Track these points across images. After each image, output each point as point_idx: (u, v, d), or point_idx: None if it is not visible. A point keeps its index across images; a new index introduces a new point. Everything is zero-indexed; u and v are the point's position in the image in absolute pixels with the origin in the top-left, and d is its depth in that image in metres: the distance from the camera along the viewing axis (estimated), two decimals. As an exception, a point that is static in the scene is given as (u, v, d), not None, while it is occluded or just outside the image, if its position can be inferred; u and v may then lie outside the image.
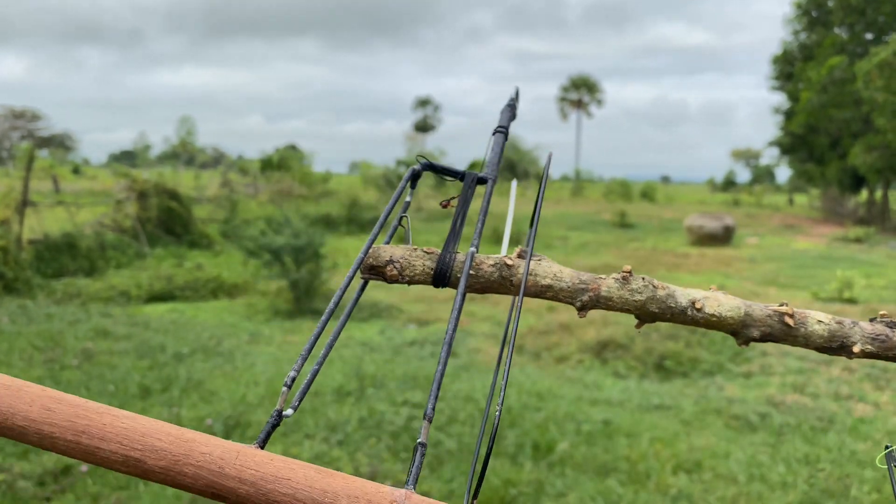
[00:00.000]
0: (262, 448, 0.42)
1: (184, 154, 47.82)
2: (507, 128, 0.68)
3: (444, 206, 0.63)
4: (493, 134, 0.67)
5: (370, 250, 0.57)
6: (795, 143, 29.71)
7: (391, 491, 0.39)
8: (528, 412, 4.45)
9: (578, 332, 6.80)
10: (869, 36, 26.59)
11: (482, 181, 0.63)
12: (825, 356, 6.19)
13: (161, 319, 7.23)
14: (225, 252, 12.34)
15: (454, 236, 0.57)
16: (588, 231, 20.21)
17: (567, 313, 7.72)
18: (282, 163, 27.70)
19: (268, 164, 27.93)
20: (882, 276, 11.75)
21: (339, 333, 0.53)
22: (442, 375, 0.48)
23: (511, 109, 0.70)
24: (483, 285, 0.56)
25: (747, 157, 75.65)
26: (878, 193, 27.36)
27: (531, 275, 0.56)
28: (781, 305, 0.56)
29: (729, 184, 65.78)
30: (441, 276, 0.55)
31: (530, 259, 0.56)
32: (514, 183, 0.69)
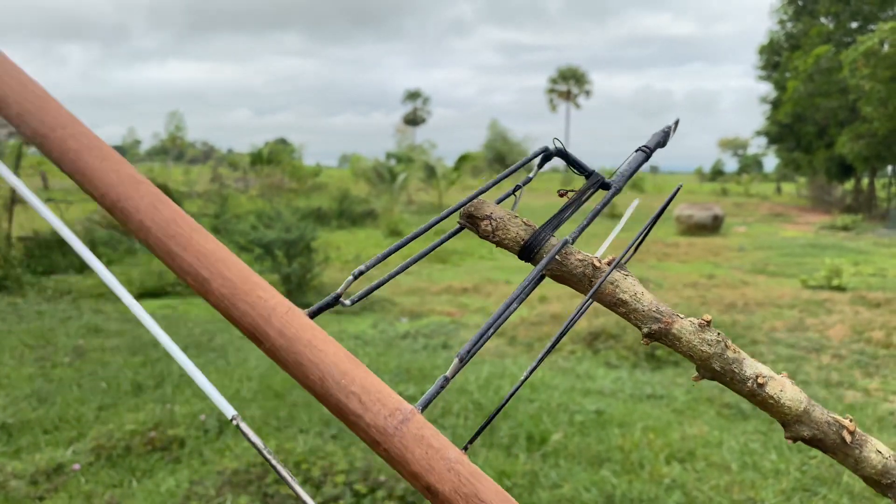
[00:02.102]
0: (311, 318, 0.44)
1: (173, 149, 47.59)
2: (651, 150, 0.68)
3: (561, 196, 0.63)
4: (636, 150, 0.67)
5: (475, 200, 0.57)
6: (783, 132, 29.84)
7: (400, 401, 0.41)
8: (522, 403, 4.47)
9: (570, 323, 6.82)
10: (854, 25, 26.70)
11: (606, 186, 0.63)
12: (815, 344, 6.22)
13: (153, 315, 7.16)
14: (215, 247, 12.30)
15: (556, 221, 0.58)
16: (578, 222, 20.23)
17: (559, 304, 7.75)
18: (272, 157, 27.59)
19: (258, 159, 27.80)
20: (869, 263, 11.83)
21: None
22: (488, 329, 0.50)
23: (664, 136, 0.71)
24: (563, 275, 0.56)
25: (735, 146, 75.94)
26: (865, 181, 27.52)
27: (612, 284, 0.56)
28: (846, 417, 0.52)
29: (717, 173, 66.05)
30: (528, 249, 0.56)
31: (615, 266, 0.57)
32: (636, 202, 0.69)
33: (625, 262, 0.59)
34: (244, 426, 0.43)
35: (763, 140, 34.00)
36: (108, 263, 10.15)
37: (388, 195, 22.50)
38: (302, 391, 4.64)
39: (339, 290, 0.48)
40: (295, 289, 7.89)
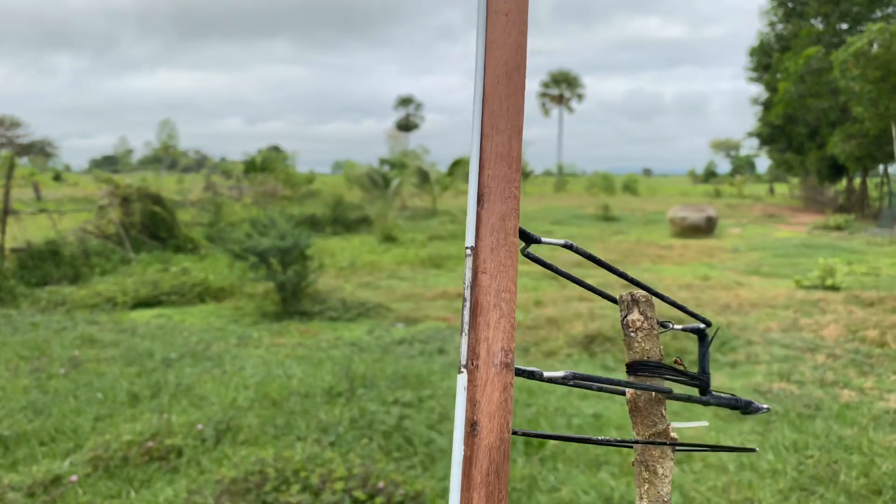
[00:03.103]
0: None
1: (166, 158, 47.49)
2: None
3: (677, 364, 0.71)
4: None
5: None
6: (774, 133, 29.95)
7: None
8: (519, 408, 4.48)
9: (566, 326, 6.83)
10: (844, 26, 26.85)
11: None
12: (810, 344, 6.25)
13: (148, 325, 7.19)
14: (210, 255, 12.27)
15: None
16: (572, 225, 20.29)
17: (554, 308, 7.76)
18: (265, 164, 27.58)
19: (251, 166, 27.78)
20: (863, 262, 11.88)
21: None
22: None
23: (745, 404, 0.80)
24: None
25: (727, 147, 76.18)
26: (857, 181, 27.64)
27: None
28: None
29: (710, 175, 66.24)
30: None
31: None
32: (705, 423, 0.76)
33: None
34: None
35: (755, 141, 34.12)
36: (102, 274, 10.13)
37: (381, 201, 22.51)
38: (299, 398, 4.64)
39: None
40: (290, 296, 7.89)
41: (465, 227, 0.55)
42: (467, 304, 0.52)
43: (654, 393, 0.64)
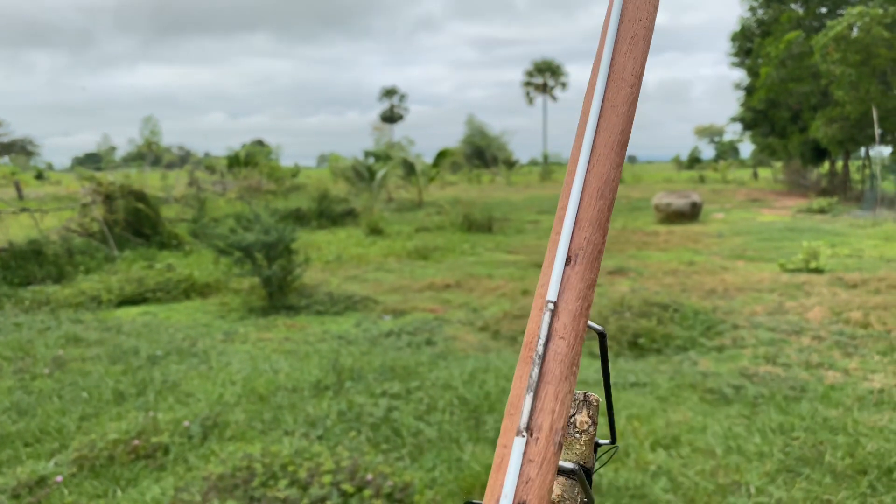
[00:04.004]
0: None
1: (149, 154, 47.13)
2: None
3: None
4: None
5: None
6: (757, 118, 30.07)
7: None
8: (506, 396, 4.47)
9: (553, 314, 6.84)
10: (824, 10, 26.96)
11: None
12: (795, 327, 6.30)
13: (133, 323, 7.14)
14: (195, 251, 12.20)
15: None
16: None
17: (541, 297, 7.76)
18: (249, 159, 27.44)
19: (235, 161, 27.63)
20: (846, 244, 11.98)
21: None
22: None
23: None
24: None
25: (711, 133, 76.50)
26: (840, 164, 27.83)
27: None
28: None
29: (694, 161, 66.47)
30: None
31: None
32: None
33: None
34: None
35: (738, 126, 34.25)
36: (87, 272, 10.04)
37: (367, 193, 22.45)
38: (286, 393, 4.62)
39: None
40: (276, 291, 7.85)
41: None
42: (538, 363, 0.48)
43: (580, 499, 0.61)
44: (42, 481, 3.46)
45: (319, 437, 3.91)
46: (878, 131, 20.32)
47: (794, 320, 6.52)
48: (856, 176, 27.71)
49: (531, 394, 0.47)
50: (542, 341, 0.49)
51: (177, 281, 8.99)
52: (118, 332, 6.64)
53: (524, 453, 0.46)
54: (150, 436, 3.92)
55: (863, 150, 25.52)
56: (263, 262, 7.81)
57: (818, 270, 9.17)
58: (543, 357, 0.48)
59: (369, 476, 3.29)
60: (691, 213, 17.33)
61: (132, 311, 7.86)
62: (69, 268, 10.12)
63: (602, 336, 0.62)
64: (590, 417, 0.63)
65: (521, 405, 0.47)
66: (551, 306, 0.49)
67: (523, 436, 0.46)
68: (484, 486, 3.29)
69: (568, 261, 0.51)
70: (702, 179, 42.11)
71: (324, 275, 9.94)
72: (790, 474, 3.43)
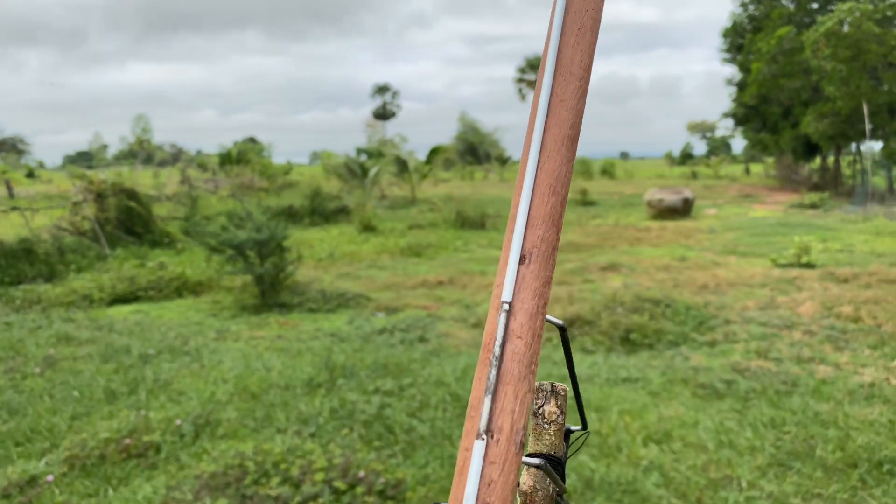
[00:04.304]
0: None
1: (141, 152, 46.92)
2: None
3: None
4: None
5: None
6: (749, 114, 30.16)
7: None
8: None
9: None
10: (815, 6, 27.02)
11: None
12: (787, 322, 6.32)
13: (125, 321, 7.12)
14: (187, 250, 12.16)
15: None
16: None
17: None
18: (241, 156, 27.36)
19: (227, 159, 27.54)
20: (837, 239, 12.03)
21: None
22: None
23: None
24: None
25: (703, 129, 76.64)
26: (831, 159, 27.93)
27: None
28: None
29: (686, 157, 66.59)
30: None
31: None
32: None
33: None
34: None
35: (730, 122, 34.37)
36: (78, 271, 10.00)
37: (360, 191, 22.42)
38: (278, 391, 4.62)
39: None
40: (268, 289, 7.84)
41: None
42: (495, 364, 0.48)
43: (552, 489, 0.62)
44: (33, 481, 3.45)
45: (312, 435, 3.90)
46: (868, 126, 20.40)
47: (786, 315, 6.54)
48: (847, 171, 27.83)
49: (489, 396, 0.47)
50: (498, 342, 0.48)
51: (169, 279, 8.96)
52: (110, 331, 6.61)
53: (485, 455, 0.46)
54: (142, 434, 3.90)
55: (854, 145, 25.62)
56: (256, 259, 7.79)
57: (809, 265, 9.20)
58: (501, 358, 0.48)
59: (361, 473, 3.29)
60: (683, 209, 17.37)
61: (124, 310, 7.83)
62: (60, 266, 10.07)
63: (563, 330, 0.62)
64: (558, 407, 0.64)
65: (480, 407, 0.47)
66: (506, 307, 0.49)
67: (483, 438, 0.46)
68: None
69: (522, 259, 0.50)
70: (694, 175, 42.20)
71: (316, 272, 9.92)
72: (781, 468, 3.44)
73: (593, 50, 0.55)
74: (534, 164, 0.52)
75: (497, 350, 0.48)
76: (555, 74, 0.53)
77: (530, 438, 0.65)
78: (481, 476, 0.46)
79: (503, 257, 0.51)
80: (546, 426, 0.63)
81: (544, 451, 0.63)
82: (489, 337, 0.49)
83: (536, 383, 0.64)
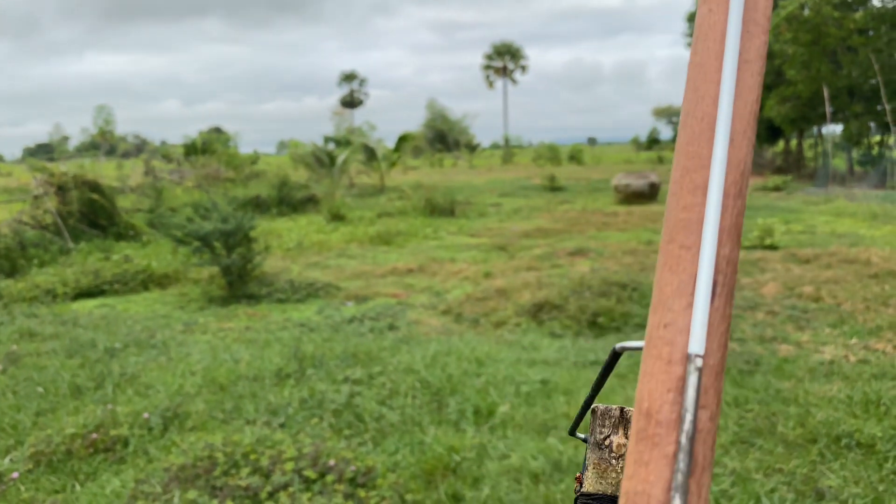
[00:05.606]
0: None
1: (104, 144, 46.06)
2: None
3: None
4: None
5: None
6: (714, 98, 30.46)
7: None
8: (469, 378, 4.52)
9: (514, 295, 6.90)
10: (777, -10, 27.37)
11: None
12: (750, 302, 6.43)
13: (90, 315, 7.02)
14: (153, 242, 12.00)
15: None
16: (520, 196, 20.40)
17: (503, 279, 7.82)
18: (206, 147, 26.99)
19: (192, 149, 27.15)
20: (799, 221, 12.27)
21: None
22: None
23: None
24: None
25: (669, 114, 77.26)
26: (794, 143, 28.40)
27: None
28: None
29: (653, 142, 67.12)
30: None
31: None
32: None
33: None
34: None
35: (695, 107, 34.64)
36: (41, 265, 9.82)
37: (328, 179, 22.28)
38: (247, 382, 4.60)
39: None
40: (236, 280, 7.78)
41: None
42: (687, 448, 0.31)
43: None
44: (-3, 478, 3.40)
45: (281, 425, 3.90)
46: (829, 110, 20.76)
47: (749, 296, 6.67)
48: (809, 154, 28.32)
49: (680, 496, 0.30)
50: (689, 416, 0.32)
51: (134, 272, 8.84)
52: (74, 326, 6.52)
53: None
54: (109, 429, 3.87)
55: (815, 128, 26.06)
56: (222, 251, 7.72)
57: (773, 247, 9.38)
58: (693, 439, 0.32)
59: (332, 462, 3.29)
60: (650, 194, 17.55)
61: (89, 304, 7.72)
62: (22, 261, 9.88)
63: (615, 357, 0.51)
64: (627, 437, 0.52)
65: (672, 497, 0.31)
66: (699, 363, 0.33)
67: None
68: (446, 468, 3.33)
69: (716, 290, 0.35)
70: (660, 160, 42.60)
71: (285, 262, 9.86)
72: (744, 445, 3.52)
73: None
74: (723, 152, 0.37)
75: (688, 427, 0.32)
76: (742, 23, 0.37)
77: (590, 474, 0.54)
78: None
79: (670, 284, 0.36)
80: (613, 461, 0.53)
81: (609, 491, 0.53)
82: (656, 402, 0.32)
83: (601, 406, 0.57)
